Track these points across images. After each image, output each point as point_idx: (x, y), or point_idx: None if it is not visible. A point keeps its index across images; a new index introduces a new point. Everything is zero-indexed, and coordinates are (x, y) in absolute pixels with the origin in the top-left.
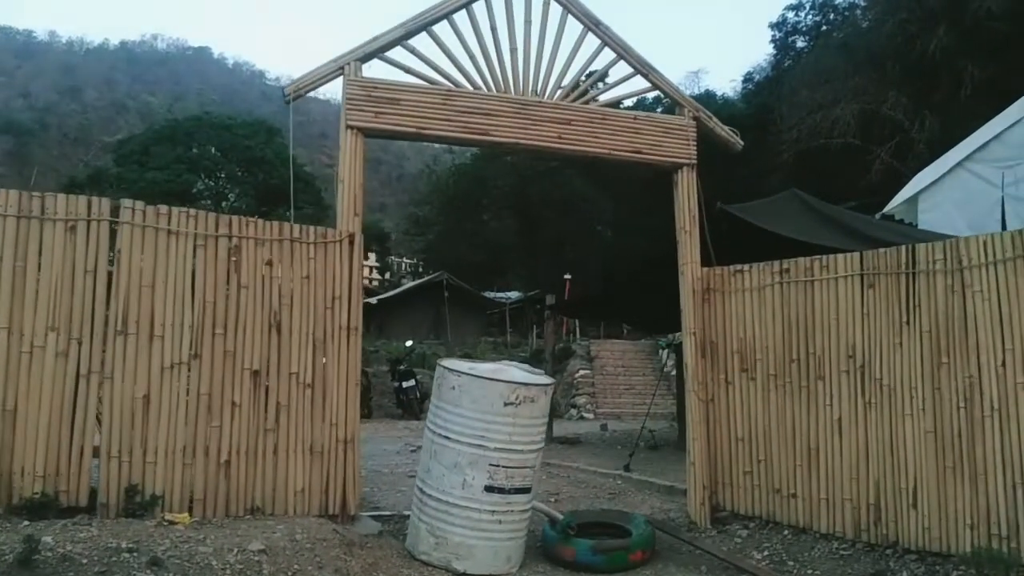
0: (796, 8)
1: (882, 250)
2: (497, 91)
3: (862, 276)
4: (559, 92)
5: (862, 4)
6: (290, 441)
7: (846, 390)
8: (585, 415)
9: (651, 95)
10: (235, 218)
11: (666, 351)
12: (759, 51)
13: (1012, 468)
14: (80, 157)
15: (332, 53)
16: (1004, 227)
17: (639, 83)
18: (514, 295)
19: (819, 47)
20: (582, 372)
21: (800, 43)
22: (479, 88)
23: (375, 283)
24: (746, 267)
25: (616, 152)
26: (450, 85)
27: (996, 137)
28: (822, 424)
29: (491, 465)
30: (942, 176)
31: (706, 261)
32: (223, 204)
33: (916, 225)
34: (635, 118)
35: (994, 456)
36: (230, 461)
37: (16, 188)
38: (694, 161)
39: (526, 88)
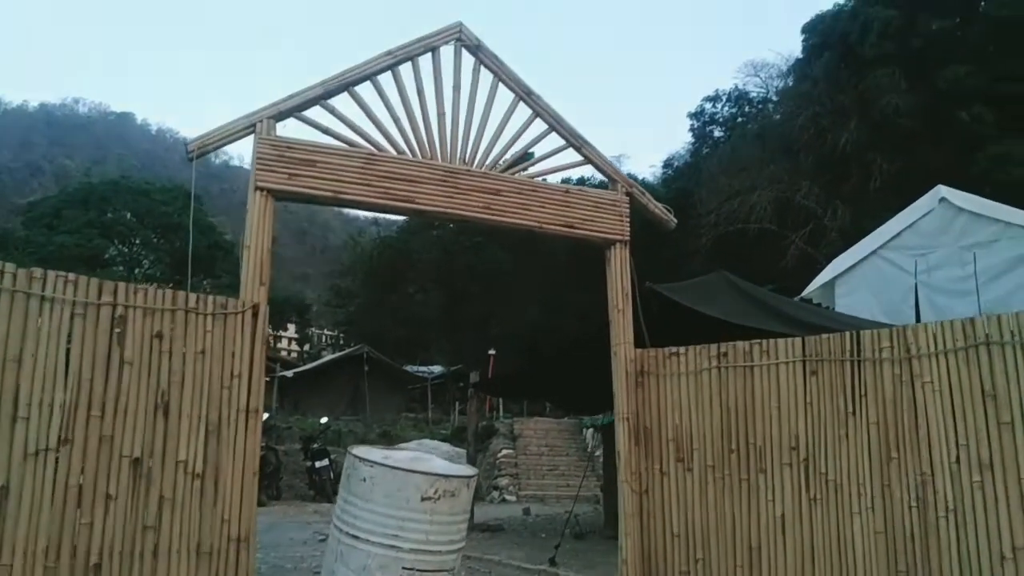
0: (713, 99)
1: (825, 336)
2: (423, 157)
3: (804, 362)
4: (488, 161)
5: (774, 99)
6: (173, 540)
7: (789, 484)
8: (508, 497)
9: (582, 170)
10: (121, 284)
11: (590, 431)
12: (678, 139)
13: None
14: None
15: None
16: (918, 313)
17: (571, 156)
18: (437, 369)
19: (736, 136)
20: (505, 452)
21: (717, 132)
22: (403, 153)
23: (293, 355)
24: (682, 350)
25: (547, 225)
26: (372, 148)
27: (909, 226)
28: (764, 521)
29: (404, 568)
30: (858, 262)
31: (639, 342)
32: (136, 271)
33: (834, 309)
34: (567, 191)
35: (950, 562)
36: (101, 564)
37: None
38: (627, 237)
39: (453, 155)
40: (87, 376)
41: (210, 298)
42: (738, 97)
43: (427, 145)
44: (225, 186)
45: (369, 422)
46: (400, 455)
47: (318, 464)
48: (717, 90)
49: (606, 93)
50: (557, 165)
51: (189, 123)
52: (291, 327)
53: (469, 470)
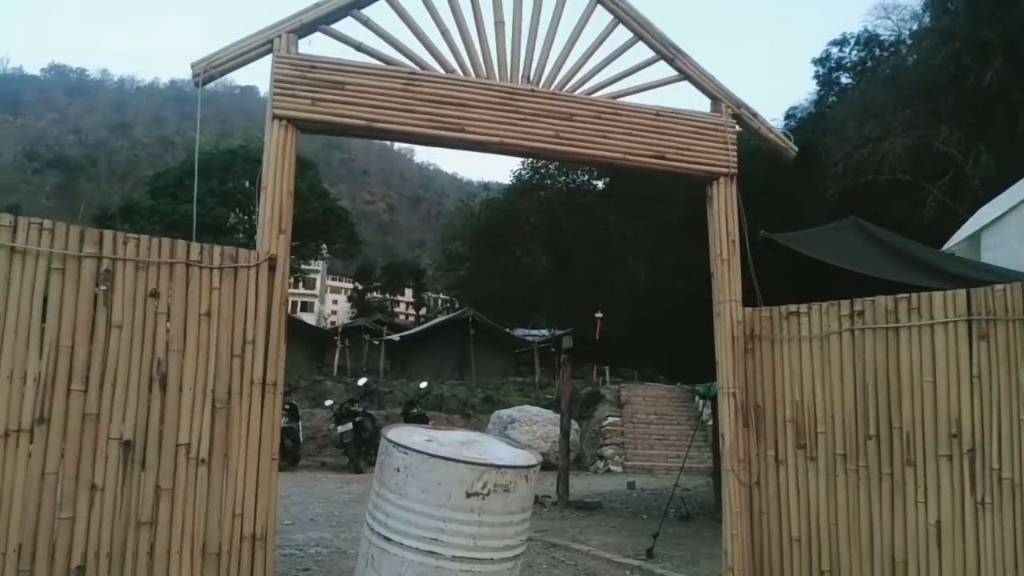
0: (840, 44)
1: (999, 287)
2: (476, 76)
3: (969, 322)
4: (557, 79)
5: (908, 41)
6: (173, 539)
7: (948, 483)
8: (613, 468)
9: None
10: (108, 233)
11: (703, 401)
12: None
13: None
14: (128, 192)
15: None
16: None
17: (663, 70)
18: (544, 332)
19: (865, 82)
20: (611, 419)
21: (845, 78)
22: (452, 71)
23: (411, 318)
24: (804, 308)
25: (632, 157)
26: (414, 67)
27: None
28: (913, 529)
29: None
30: (1007, 212)
31: (750, 300)
32: (255, 238)
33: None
34: (657, 114)
35: None
36: (85, 567)
37: (63, 221)
38: (734, 170)
39: (514, 73)
40: (67, 343)
41: (216, 249)
42: (867, 40)
43: (482, 61)
44: (345, 156)
45: (473, 386)
46: (447, 437)
47: None
48: (844, 34)
49: (725, 40)
50: (645, 83)
51: None
52: (407, 291)
53: (528, 458)
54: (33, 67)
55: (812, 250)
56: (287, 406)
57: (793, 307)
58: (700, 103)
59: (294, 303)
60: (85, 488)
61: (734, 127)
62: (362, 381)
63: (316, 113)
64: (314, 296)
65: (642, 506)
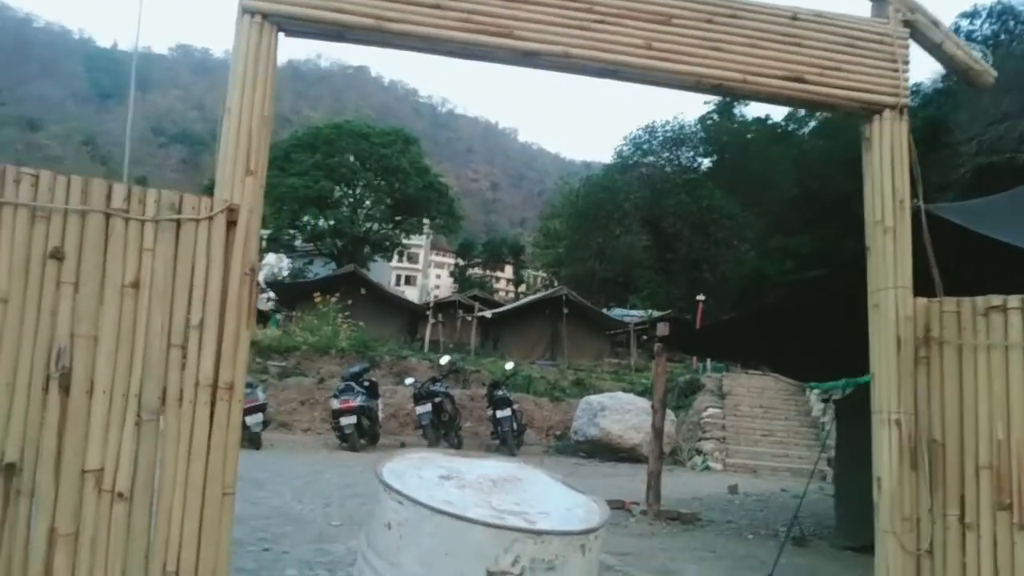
0: (971, 16)
1: None
2: None
3: None
4: None
5: None
6: None
7: None
8: (712, 465)
9: None
10: None
11: (814, 392)
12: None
13: None
14: None
15: (486, 74)
16: None
17: None
18: (642, 314)
19: (1000, 56)
20: (711, 411)
21: (976, 52)
22: None
23: (511, 295)
24: (1016, 301)
25: (756, 79)
26: None
27: None
28: None
29: None
30: None
31: (923, 287)
32: (358, 211)
33: None
34: (794, 17)
35: None
36: None
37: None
38: (905, 100)
39: None
40: None
41: (151, 194)
42: (1001, 12)
43: None
44: (452, 135)
45: (564, 368)
46: (476, 470)
47: (499, 414)
48: (976, 5)
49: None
50: None
51: (418, 75)
52: (508, 268)
53: (589, 515)
54: (161, 46)
55: (990, 227)
56: (366, 383)
57: (997, 299)
58: (858, 5)
59: (398, 276)
60: None
61: (905, 39)
62: (445, 359)
63: (303, 6)
64: (417, 270)
65: (746, 519)
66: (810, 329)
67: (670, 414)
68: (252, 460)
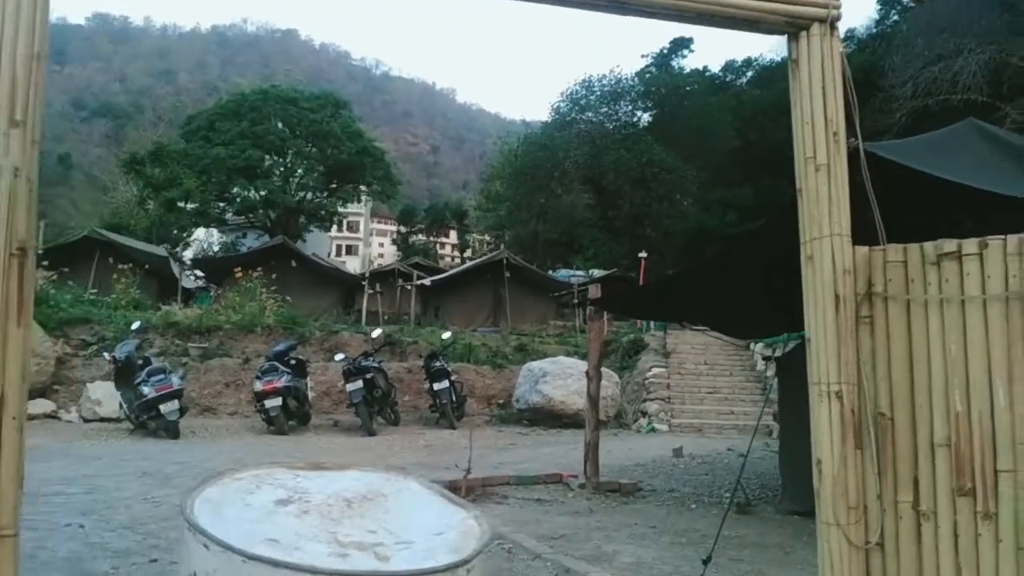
0: None
1: None
2: None
3: None
4: None
5: None
6: None
7: None
8: (658, 426)
9: None
10: None
11: (766, 363)
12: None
13: None
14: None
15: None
16: None
17: None
18: (591, 274)
19: None
20: (655, 370)
21: None
22: None
23: (457, 261)
24: (973, 246)
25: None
26: None
27: None
28: None
29: None
30: None
31: (863, 234)
32: (290, 180)
33: None
34: None
35: None
36: None
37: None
38: (836, 12)
39: None
40: None
41: None
42: None
43: None
44: (387, 98)
45: (507, 334)
46: (325, 491)
47: (436, 386)
48: None
49: None
50: None
51: (349, 37)
52: (452, 233)
53: (464, 543)
54: (77, 16)
55: (932, 164)
56: (293, 361)
57: (951, 244)
58: None
59: (338, 247)
60: None
61: None
62: (376, 332)
63: None
64: (358, 240)
65: (690, 485)
66: (748, 285)
67: (614, 376)
68: (166, 452)
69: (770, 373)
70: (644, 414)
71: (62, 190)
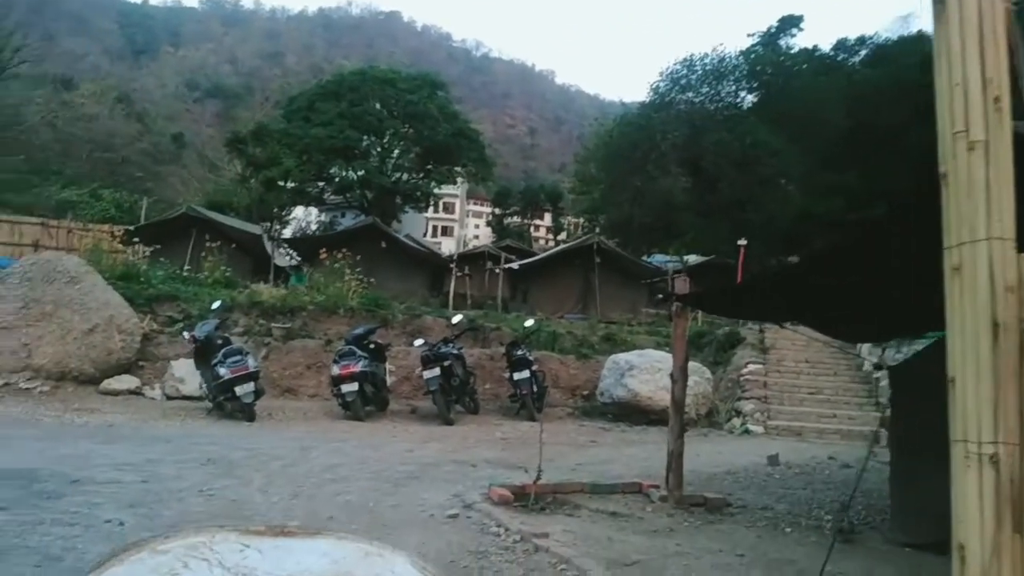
0: None
1: None
2: None
3: None
4: None
5: None
6: None
7: None
8: (752, 427)
9: None
10: None
11: (878, 373)
12: None
13: None
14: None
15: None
16: None
17: None
18: (688, 260)
19: None
20: (752, 367)
21: None
22: None
23: (551, 243)
24: None
25: None
26: None
27: None
28: None
29: None
30: None
31: None
32: (387, 161)
33: None
34: None
35: None
36: None
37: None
38: None
39: None
40: None
41: None
42: None
43: None
44: (487, 79)
45: (595, 322)
46: (281, 570)
47: (517, 376)
48: None
49: None
50: None
51: (451, 19)
52: (547, 216)
53: None
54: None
55: None
56: (372, 345)
57: None
58: None
59: (434, 227)
60: None
61: None
62: (457, 318)
63: None
64: (454, 221)
65: (785, 501)
66: (862, 285)
67: (706, 371)
68: (237, 435)
69: (877, 375)
70: (738, 413)
71: (174, 168)
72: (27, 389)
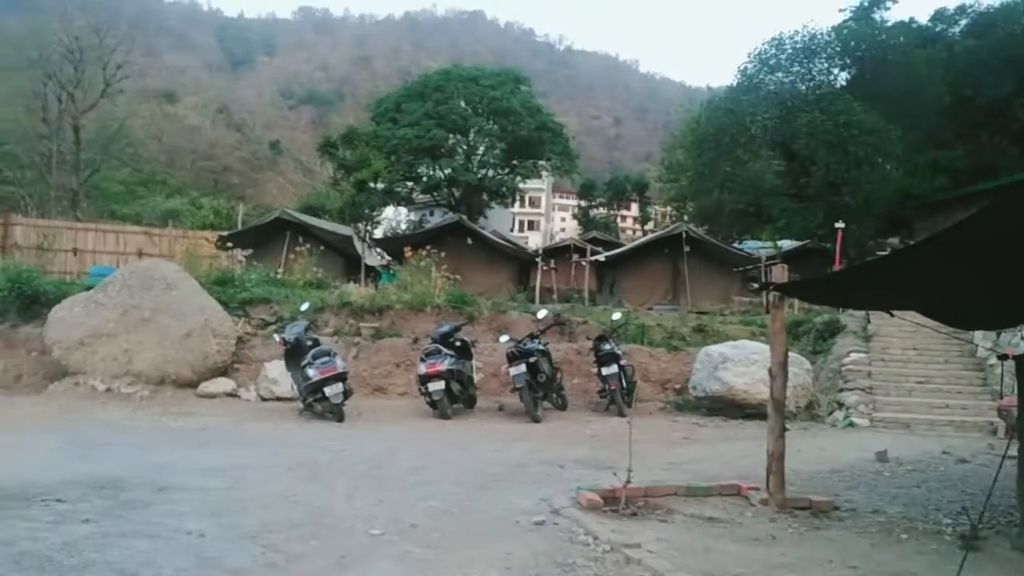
0: None
1: None
2: None
3: None
4: None
5: None
6: None
7: None
8: (856, 420)
9: None
10: None
11: (1002, 363)
12: None
13: None
14: None
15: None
16: None
17: None
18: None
19: None
20: (854, 356)
21: None
22: None
23: (638, 233)
24: None
25: None
26: None
27: None
28: None
29: None
30: None
31: None
32: (472, 158)
33: None
34: None
35: None
36: None
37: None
38: None
39: None
40: None
41: None
42: None
43: None
44: (571, 72)
45: (685, 313)
46: None
47: (605, 371)
48: None
49: None
50: None
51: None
52: (633, 206)
53: None
54: (285, 11)
55: None
56: (457, 343)
57: None
58: None
59: (520, 222)
60: None
61: None
62: (542, 313)
63: None
64: (540, 215)
65: (899, 503)
66: (980, 268)
67: (805, 362)
68: (326, 437)
69: (992, 361)
70: (840, 406)
71: (271, 174)
72: (128, 394)
